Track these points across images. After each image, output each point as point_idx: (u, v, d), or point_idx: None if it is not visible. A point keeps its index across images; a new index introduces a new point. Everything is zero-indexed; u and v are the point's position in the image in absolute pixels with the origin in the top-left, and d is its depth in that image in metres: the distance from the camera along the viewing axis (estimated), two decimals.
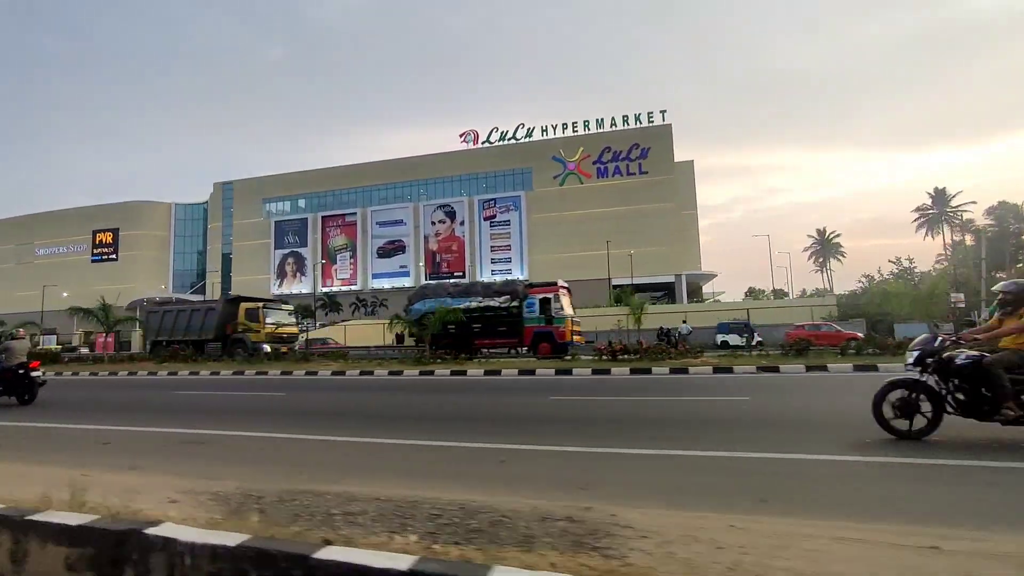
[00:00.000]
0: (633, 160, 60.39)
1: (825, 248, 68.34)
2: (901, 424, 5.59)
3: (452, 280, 63.87)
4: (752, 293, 67.03)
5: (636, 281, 58.49)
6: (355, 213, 68.24)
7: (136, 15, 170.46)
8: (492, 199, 63.60)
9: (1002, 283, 5.83)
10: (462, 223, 64.18)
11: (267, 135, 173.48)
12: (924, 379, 5.62)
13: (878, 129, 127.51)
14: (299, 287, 69.18)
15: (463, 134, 66.11)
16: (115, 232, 79.29)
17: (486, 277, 61.33)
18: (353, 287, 66.66)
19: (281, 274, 70.55)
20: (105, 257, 79.59)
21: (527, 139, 64.22)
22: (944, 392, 5.54)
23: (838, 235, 67.26)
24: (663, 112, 60.28)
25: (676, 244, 58.92)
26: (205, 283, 77.98)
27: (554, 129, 63.36)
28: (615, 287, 59.31)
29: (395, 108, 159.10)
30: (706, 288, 67.23)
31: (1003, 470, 4.62)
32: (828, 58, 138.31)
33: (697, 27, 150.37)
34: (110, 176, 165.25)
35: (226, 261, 74.10)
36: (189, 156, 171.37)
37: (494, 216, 63.39)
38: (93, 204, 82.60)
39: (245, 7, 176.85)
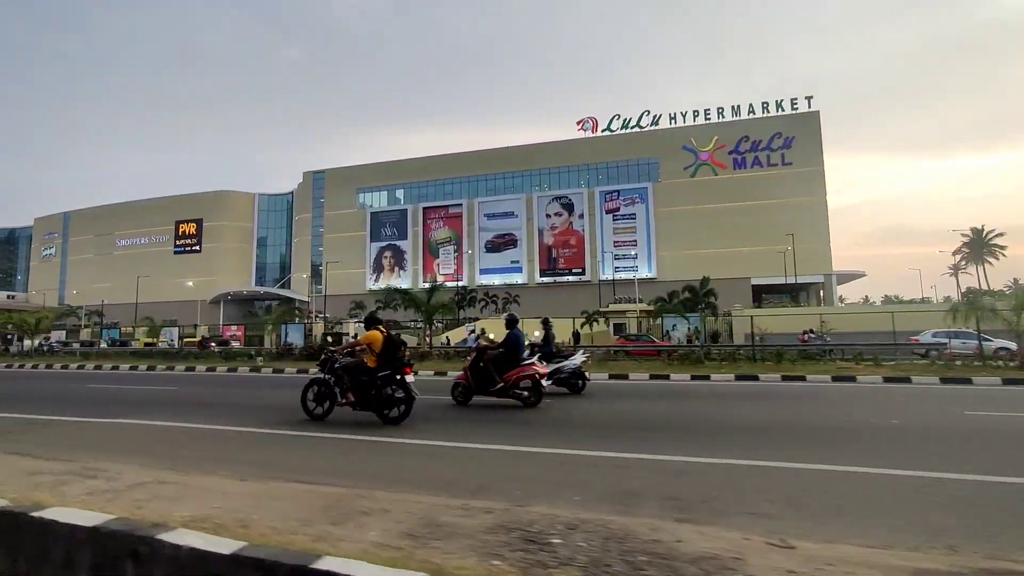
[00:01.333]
0: (775, 150, 55.94)
1: (978, 249, 62.74)
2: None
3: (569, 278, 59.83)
4: (893, 299, 61.84)
5: (774, 280, 53.94)
6: (460, 204, 64.59)
7: (155, 17, 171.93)
8: (615, 191, 59.51)
9: None
10: (581, 216, 60.13)
11: (311, 134, 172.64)
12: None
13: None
14: (397, 281, 65.47)
15: (581, 121, 62.28)
16: (199, 223, 76.68)
17: (608, 274, 57.21)
18: (458, 283, 62.75)
19: (378, 268, 67.04)
20: (188, 249, 76.96)
21: (653, 127, 60.12)
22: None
23: (999, 234, 61.64)
24: (809, 98, 55.86)
25: (821, 241, 54.15)
26: (290, 277, 74.93)
27: (683, 116, 59.26)
28: (757, 287, 54.88)
29: (442, 104, 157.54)
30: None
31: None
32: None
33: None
34: (130, 174, 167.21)
35: (316, 254, 70.82)
36: (211, 155, 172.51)
37: (617, 209, 59.25)
38: (176, 194, 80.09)
39: (269, 7, 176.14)
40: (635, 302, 41.87)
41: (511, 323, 9.73)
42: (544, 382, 9.38)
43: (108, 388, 14.67)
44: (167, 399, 12.19)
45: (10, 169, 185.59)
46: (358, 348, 8.27)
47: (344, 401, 7.78)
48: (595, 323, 36.72)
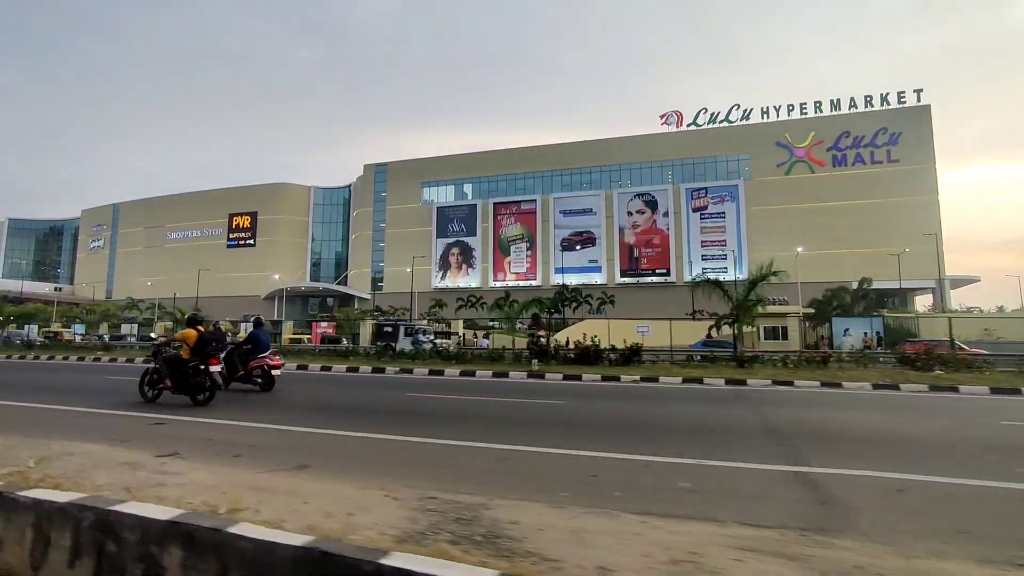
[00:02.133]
0: (880, 147, 52.87)
1: None
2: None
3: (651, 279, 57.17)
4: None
5: (881, 285, 50.70)
6: (534, 200, 62.11)
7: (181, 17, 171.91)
8: (703, 188, 56.71)
9: None
10: (665, 214, 57.39)
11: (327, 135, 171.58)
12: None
13: None
14: (466, 280, 63.20)
15: (664, 115, 59.62)
16: (253, 216, 74.94)
17: (695, 275, 54.32)
18: (531, 282, 60.31)
19: (444, 265, 64.70)
20: (242, 242, 75.23)
21: (743, 122, 57.30)
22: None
23: None
24: (919, 91, 52.72)
25: (931, 244, 50.91)
26: (347, 273, 72.87)
27: (776, 111, 56.37)
28: (860, 290, 51.72)
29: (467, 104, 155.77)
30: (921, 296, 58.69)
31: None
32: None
33: None
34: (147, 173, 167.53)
35: (377, 249, 68.66)
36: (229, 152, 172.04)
37: (705, 207, 56.45)
38: (230, 186, 78.43)
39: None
40: (775, 303, 38.58)
41: (256, 324, 12.14)
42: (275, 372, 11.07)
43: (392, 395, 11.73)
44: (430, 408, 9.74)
45: (44, 165, 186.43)
46: (175, 344, 9.71)
47: (163, 386, 9.08)
48: (727, 326, 33.91)
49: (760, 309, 32.94)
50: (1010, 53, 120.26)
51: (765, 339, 31.69)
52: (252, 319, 13.14)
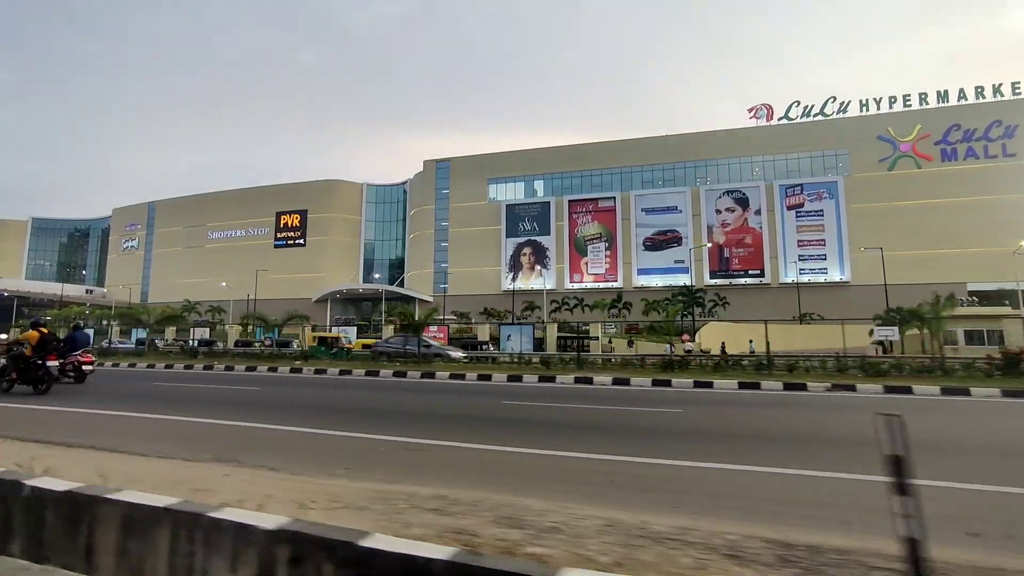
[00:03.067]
0: (994, 140, 50.19)
1: None
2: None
3: (745, 280, 54.28)
4: None
5: (996, 286, 47.93)
6: (612, 198, 59.13)
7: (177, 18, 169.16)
8: (798, 185, 53.88)
9: None
10: (757, 212, 54.52)
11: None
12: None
13: None
14: (539, 281, 60.09)
15: (753, 109, 56.84)
16: (303, 215, 71.67)
17: (791, 276, 51.52)
18: (611, 284, 57.30)
19: (515, 266, 61.57)
20: (291, 242, 71.92)
21: (840, 114, 54.55)
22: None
23: None
24: None
25: None
26: (405, 275, 69.63)
27: (877, 103, 53.65)
28: (976, 293, 48.94)
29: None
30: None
31: None
32: None
33: None
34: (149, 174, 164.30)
35: (440, 249, 65.47)
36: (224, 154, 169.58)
37: (801, 205, 53.60)
38: (277, 183, 75.16)
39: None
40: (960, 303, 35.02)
41: (75, 328, 15.54)
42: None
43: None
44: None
45: (43, 166, 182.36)
46: (20, 344, 11.88)
47: (10, 378, 11.24)
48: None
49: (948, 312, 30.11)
50: None
51: (967, 343, 28.66)
52: (72, 323, 15.99)
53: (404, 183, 72.89)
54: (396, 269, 71.85)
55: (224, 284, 66.75)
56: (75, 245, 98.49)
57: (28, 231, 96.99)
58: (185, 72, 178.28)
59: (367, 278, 71.66)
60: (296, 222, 71.60)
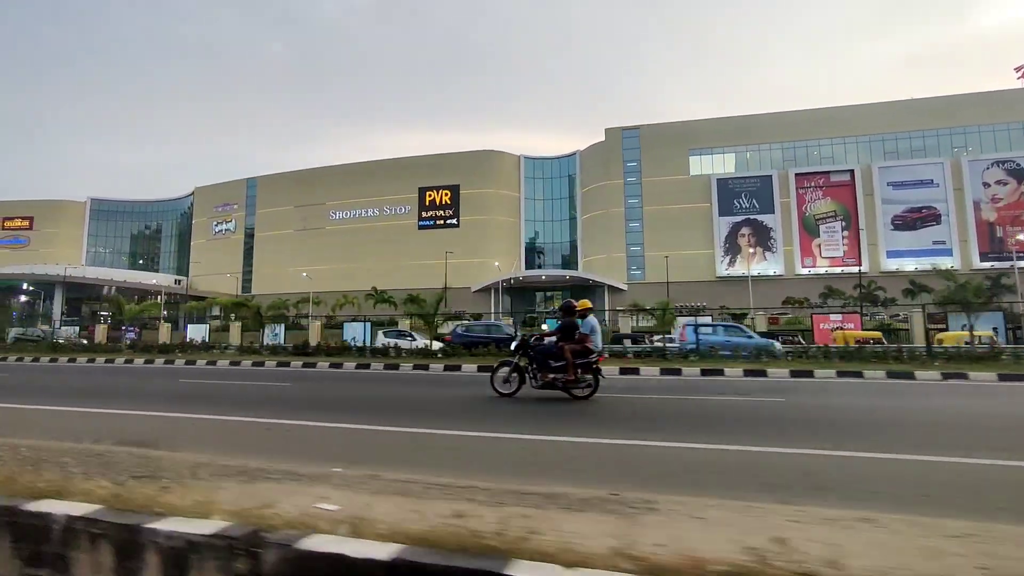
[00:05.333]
0: None
1: None
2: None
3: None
4: None
5: None
6: (848, 171, 52.34)
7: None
8: None
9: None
10: None
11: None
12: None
13: None
14: (763, 266, 53.07)
15: (1020, 68, 50.65)
16: (454, 190, 63.24)
17: None
18: (852, 268, 50.56)
19: (732, 249, 54.35)
20: (440, 222, 63.44)
21: None
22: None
23: None
24: None
25: None
26: (580, 260, 61.87)
27: None
28: None
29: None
30: None
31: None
32: None
33: None
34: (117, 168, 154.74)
35: (632, 231, 57.90)
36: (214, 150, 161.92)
37: None
38: (418, 155, 66.48)
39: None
40: None
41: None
42: None
43: None
44: None
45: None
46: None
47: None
48: None
49: None
50: None
51: None
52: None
53: (572, 155, 64.89)
54: (563, 254, 63.99)
55: (305, 274, 58.71)
56: (141, 229, 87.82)
57: (87, 214, 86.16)
58: (152, 60, 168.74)
59: (529, 263, 63.68)
60: (446, 199, 63.13)
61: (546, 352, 8.77)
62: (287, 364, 17.61)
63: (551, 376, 8.61)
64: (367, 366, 16.54)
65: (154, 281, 70.12)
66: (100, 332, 33.94)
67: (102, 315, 65.66)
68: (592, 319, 9.23)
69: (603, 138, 60.88)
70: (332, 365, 16.98)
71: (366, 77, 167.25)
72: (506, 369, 9.04)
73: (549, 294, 60.35)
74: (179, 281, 73.14)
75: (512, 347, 9.82)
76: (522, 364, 8.96)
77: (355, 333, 26.83)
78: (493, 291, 58.43)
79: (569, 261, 63.31)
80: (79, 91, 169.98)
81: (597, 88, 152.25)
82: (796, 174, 53.44)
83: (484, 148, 64.86)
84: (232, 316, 42.38)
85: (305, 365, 17.14)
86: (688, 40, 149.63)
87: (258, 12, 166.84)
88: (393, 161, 66.39)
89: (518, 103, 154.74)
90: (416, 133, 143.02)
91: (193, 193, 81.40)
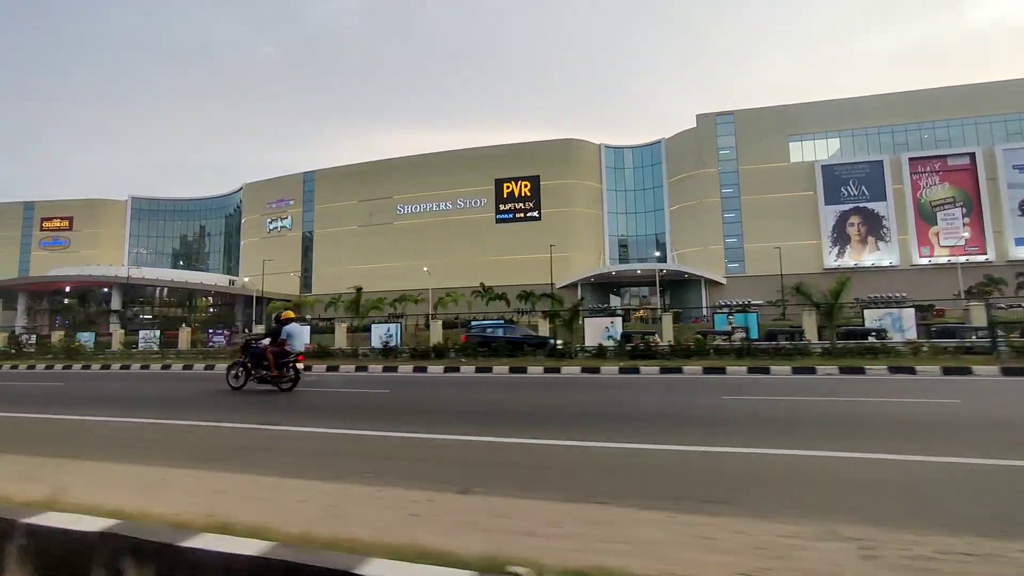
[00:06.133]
0: None
1: None
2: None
3: None
4: None
5: None
6: (967, 154, 49.66)
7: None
8: None
9: None
10: None
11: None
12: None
13: None
14: (875, 256, 50.38)
15: None
16: (534, 182, 60.41)
17: None
18: (975, 257, 47.95)
19: (840, 239, 51.60)
20: (519, 215, 60.62)
21: None
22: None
23: None
24: None
25: None
26: (674, 252, 59.05)
27: None
28: None
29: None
30: None
31: None
32: None
33: None
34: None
35: (729, 222, 55.11)
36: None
37: None
38: (494, 144, 63.69)
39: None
40: None
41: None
42: None
43: None
44: None
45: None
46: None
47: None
48: None
49: None
50: None
51: None
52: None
53: (657, 142, 62.03)
54: (650, 247, 61.11)
55: (426, 269, 55.86)
56: (181, 228, 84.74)
57: (128, 213, 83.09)
58: (138, 64, 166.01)
59: (613, 257, 60.88)
60: (526, 191, 60.24)
61: (257, 353, 10.91)
62: (456, 369, 16.05)
63: (263, 372, 10.81)
64: (556, 370, 15.13)
65: (214, 282, 67.20)
66: (184, 336, 31.46)
67: (146, 318, 63.04)
68: (292, 326, 11.44)
69: (644, 139, 58.46)
70: (512, 370, 15.48)
71: (376, 75, 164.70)
72: (237, 368, 11.23)
73: (635, 289, 57.65)
74: (232, 282, 70.10)
75: (240, 348, 12.05)
76: (247, 363, 11.00)
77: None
78: (580, 286, 55.66)
79: (657, 254, 60.50)
80: (66, 95, 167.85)
81: (594, 89, 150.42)
82: (909, 159, 50.71)
83: (565, 136, 62.04)
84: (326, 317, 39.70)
85: (479, 370, 15.78)
86: (688, 39, 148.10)
87: (256, 12, 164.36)
88: (466, 152, 63.50)
89: (523, 101, 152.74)
90: (434, 133, 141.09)
91: (241, 189, 78.47)
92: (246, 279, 70.39)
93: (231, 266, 78.05)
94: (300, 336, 11.79)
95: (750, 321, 22.94)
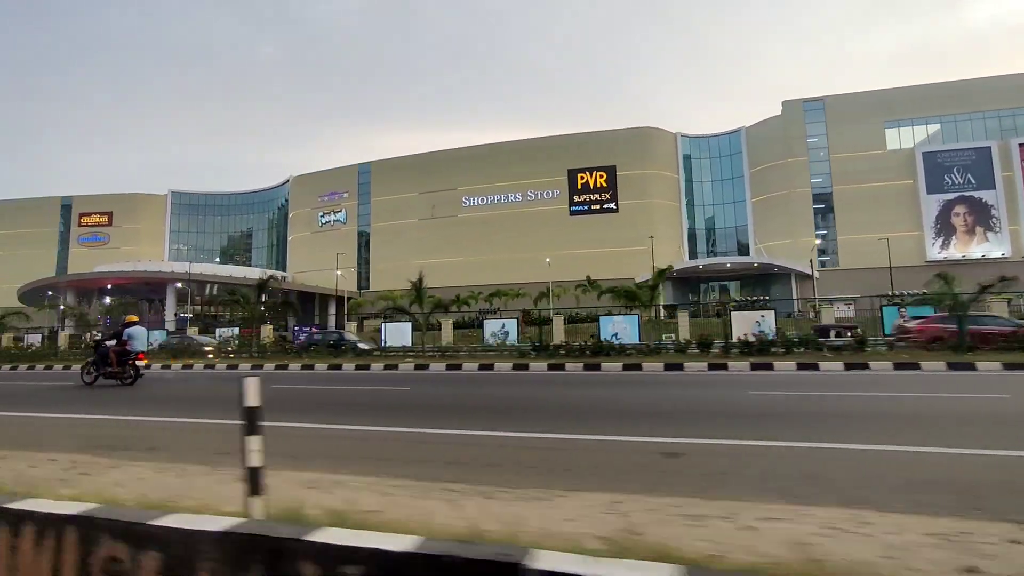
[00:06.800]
0: None
1: None
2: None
3: None
4: None
5: None
6: None
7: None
8: None
9: None
10: None
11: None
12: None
13: None
14: (983, 248, 48.23)
15: None
16: (610, 172, 58.10)
17: None
18: None
19: (944, 230, 49.39)
20: (595, 207, 58.35)
21: None
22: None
23: None
24: None
25: None
26: (749, 244, 56.90)
27: None
28: None
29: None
30: None
31: None
32: None
33: None
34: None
35: (823, 214, 52.90)
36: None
37: None
38: (563, 133, 61.31)
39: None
40: None
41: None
42: None
43: None
44: None
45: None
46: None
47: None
48: None
49: None
50: None
51: None
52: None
53: (736, 131, 59.71)
54: (729, 239, 58.91)
55: (548, 260, 53.72)
56: (220, 223, 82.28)
57: (168, 208, 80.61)
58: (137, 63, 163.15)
59: (693, 252, 58.70)
60: (602, 181, 57.89)
61: (103, 352, 12.45)
62: (637, 367, 14.66)
63: (107, 369, 12.35)
64: (724, 367, 14.15)
65: (267, 278, 64.70)
66: (266, 333, 30.56)
67: (186, 315, 60.59)
68: (135, 328, 12.98)
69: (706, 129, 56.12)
70: (668, 367, 14.53)
71: (376, 75, 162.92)
72: (89, 366, 12.67)
73: (715, 284, 55.55)
74: (284, 277, 67.74)
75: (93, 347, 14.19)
76: (96, 361, 12.53)
77: (619, 329, 22.59)
78: (663, 281, 53.25)
79: (731, 248, 58.31)
80: (64, 95, 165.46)
81: (590, 88, 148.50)
82: (1020, 144, 48.49)
83: (645, 125, 59.68)
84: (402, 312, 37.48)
85: (627, 367, 14.68)
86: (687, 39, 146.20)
87: (255, 12, 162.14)
88: (537, 141, 61.10)
89: (523, 100, 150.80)
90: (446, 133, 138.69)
91: (287, 183, 76.04)
92: (292, 275, 68.17)
93: (278, 261, 75.65)
94: (140, 338, 13.07)
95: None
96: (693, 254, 58.22)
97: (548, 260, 52.56)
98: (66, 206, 78.20)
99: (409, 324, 26.46)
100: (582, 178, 58.35)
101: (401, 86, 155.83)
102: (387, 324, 28.68)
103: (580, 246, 56.79)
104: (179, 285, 56.29)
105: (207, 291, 64.42)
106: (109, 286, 61.77)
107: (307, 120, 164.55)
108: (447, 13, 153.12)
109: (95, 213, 77.67)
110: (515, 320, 26.35)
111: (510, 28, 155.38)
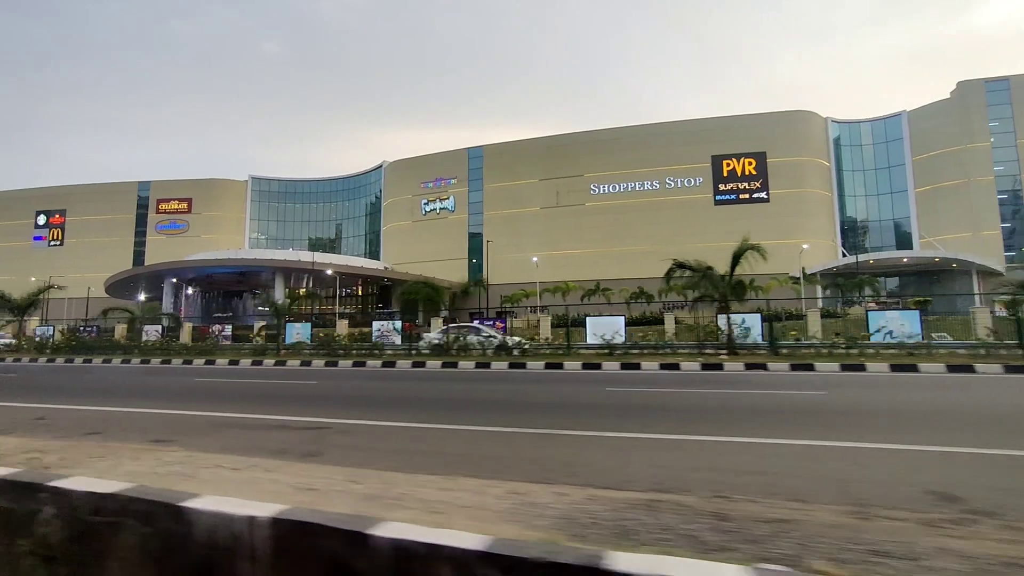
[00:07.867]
0: None
1: None
2: None
3: None
4: None
5: None
6: None
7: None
8: None
9: None
10: None
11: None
12: None
13: None
14: None
15: None
16: (759, 159, 54.24)
17: None
18: None
19: None
20: (743, 196, 54.44)
21: None
22: None
23: None
24: None
25: None
26: (912, 238, 52.89)
27: None
28: None
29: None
30: None
31: None
32: None
33: None
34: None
35: (1007, 205, 49.05)
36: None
37: None
38: (705, 116, 57.39)
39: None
40: None
41: None
42: None
43: None
44: None
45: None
46: None
47: None
48: None
49: None
50: None
51: None
52: None
53: (895, 116, 55.77)
54: (887, 232, 55.00)
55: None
56: (313, 210, 78.30)
57: (248, 194, 76.68)
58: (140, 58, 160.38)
59: (847, 245, 54.77)
60: (751, 169, 53.97)
61: None
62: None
63: None
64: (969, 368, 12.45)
65: (372, 268, 60.86)
66: (437, 324, 28.38)
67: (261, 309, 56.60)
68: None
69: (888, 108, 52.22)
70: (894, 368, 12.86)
71: (379, 72, 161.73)
72: None
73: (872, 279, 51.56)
74: (387, 267, 63.81)
75: None
76: None
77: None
78: (820, 276, 49.48)
79: (888, 242, 54.41)
80: (61, 88, 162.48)
81: (586, 86, 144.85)
82: None
83: (796, 108, 55.74)
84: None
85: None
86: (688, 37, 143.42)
87: (259, 9, 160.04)
88: (676, 125, 57.19)
89: (523, 100, 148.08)
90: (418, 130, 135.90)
91: (381, 167, 72.06)
92: (393, 265, 64.21)
93: (372, 251, 71.72)
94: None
95: None
96: (850, 249, 54.28)
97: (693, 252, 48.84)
98: (144, 191, 74.22)
99: (622, 318, 22.61)
100: (728, 165, 54.44)
101: (403, 83, 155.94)
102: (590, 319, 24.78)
103: (725, 239, 52.67)
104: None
105: (306, 282, 60.47)
106: (191, 275, 57.70)
107: (310, 116, 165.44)
108: (450, 11, 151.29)
109: (174, 199, 73.73)
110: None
111: (514, 25, 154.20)
